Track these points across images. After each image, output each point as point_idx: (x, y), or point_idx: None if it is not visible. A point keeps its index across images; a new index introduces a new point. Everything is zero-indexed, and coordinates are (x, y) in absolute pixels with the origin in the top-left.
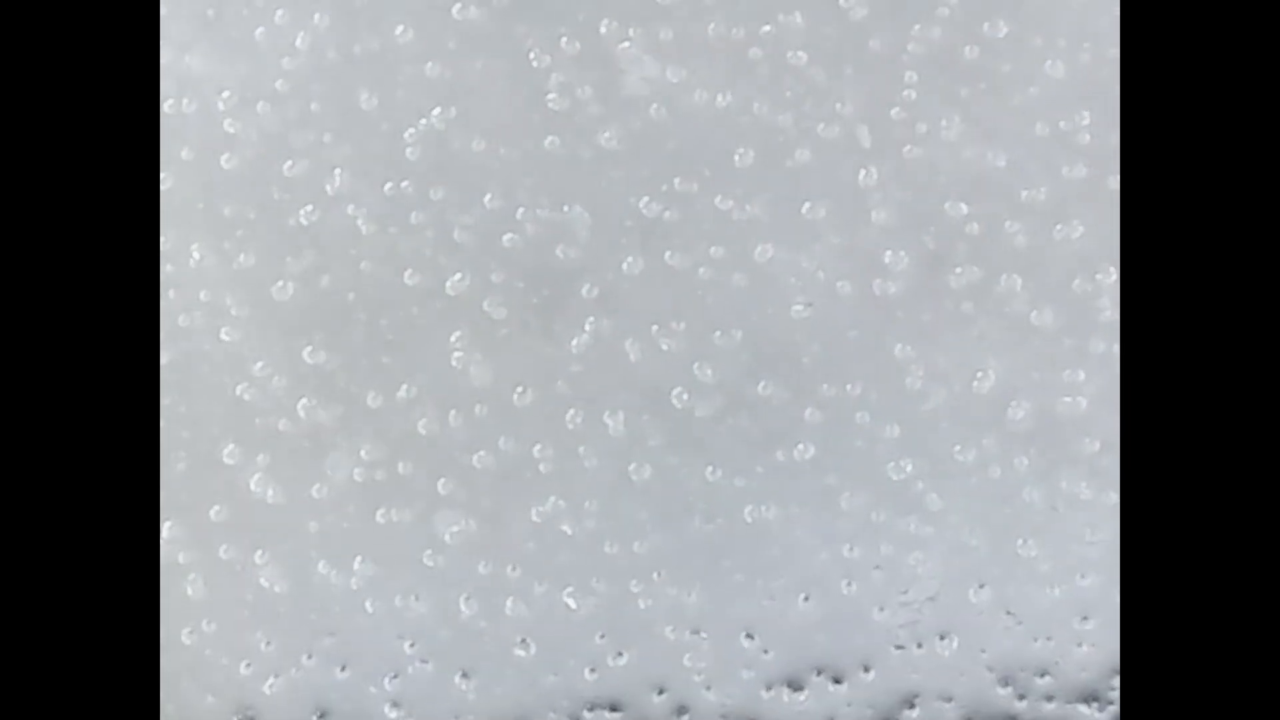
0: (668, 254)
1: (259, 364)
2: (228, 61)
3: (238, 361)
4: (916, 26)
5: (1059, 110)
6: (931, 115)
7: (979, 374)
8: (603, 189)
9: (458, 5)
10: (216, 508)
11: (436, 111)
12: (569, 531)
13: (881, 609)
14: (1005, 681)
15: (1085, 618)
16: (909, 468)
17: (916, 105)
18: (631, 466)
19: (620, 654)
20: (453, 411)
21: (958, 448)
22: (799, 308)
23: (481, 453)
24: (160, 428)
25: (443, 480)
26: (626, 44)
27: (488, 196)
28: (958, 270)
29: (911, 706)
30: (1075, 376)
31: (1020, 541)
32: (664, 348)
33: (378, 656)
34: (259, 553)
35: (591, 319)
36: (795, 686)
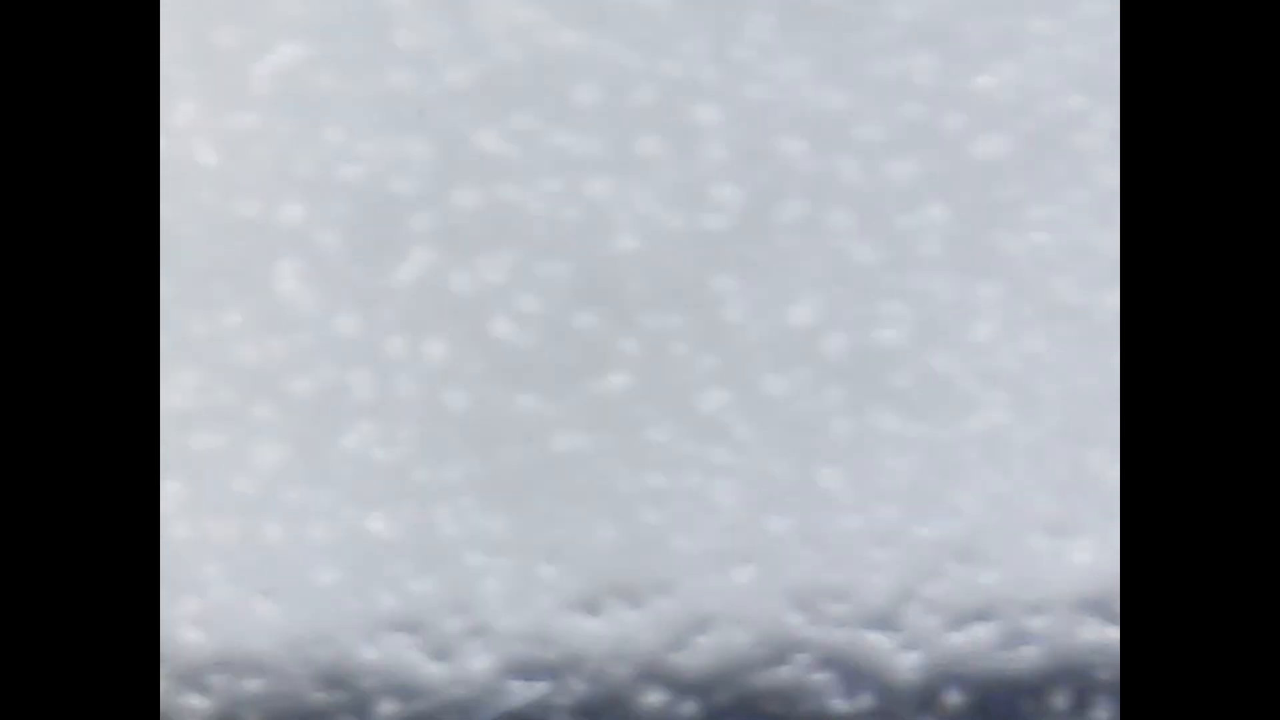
0: (501, 187)
1: None
2: None
3: None
4: None
5: (901, 51)
6: (774, 54)
7: (797, 307)
8: (445, 125)
9: None
10: None
11: (286, 48)
12: (381, 457)
13: (683, 536)
14: (800, 607)
15: (882, 544)
16: (721, 399)
17: (759, 45)
18: (447, 394)
19: (421, 578)
20: (273, 338)
21: (770, 379)
22: (626, 240)
23: (300, 379)
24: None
25: (258, 406)
26: None
27: (330, 130)
28: (786, 205)
29: (705, 631)
30: (893, 310)
31: (824, 471)
32: (489, 279)
33: (182, 578)
34: None
35: (419, 249)
36: (591, 611)
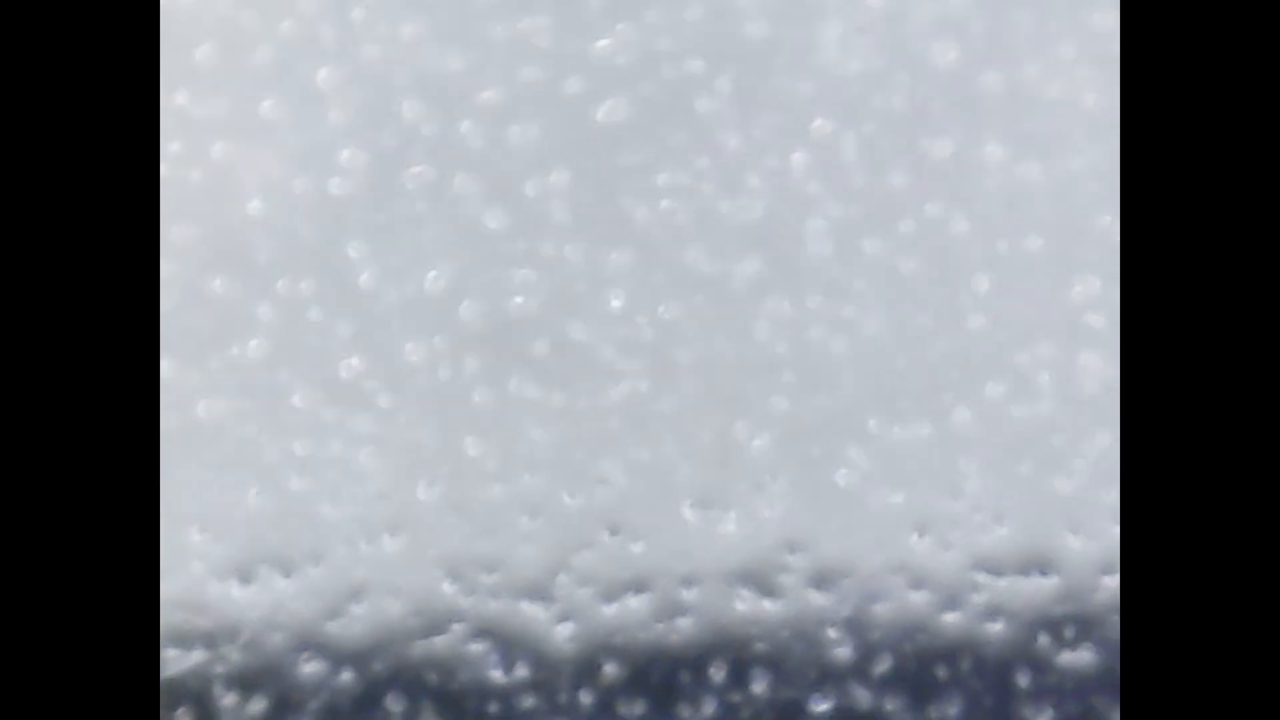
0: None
1: None
2: None
3: None
4: None
5: (518, 12)
6: (391, 16)
7: (431, 274)
8: None
9: None
10: None
11: None
12: None
13: (331, 504)
14: (452, 577)
15: (531, 515)
16: (360, 365)
17: (377, 6)
18: None
19: None
20: None
21: (409, 346)
22: (254, 204)
23: None
24: None
25: None
26: None
27: None
28: (413, 170)
29: (358, 600)
30: (526, 277)
31: (468, 439)
32: None
33: None
34: None
35: None
36: (244, 579)
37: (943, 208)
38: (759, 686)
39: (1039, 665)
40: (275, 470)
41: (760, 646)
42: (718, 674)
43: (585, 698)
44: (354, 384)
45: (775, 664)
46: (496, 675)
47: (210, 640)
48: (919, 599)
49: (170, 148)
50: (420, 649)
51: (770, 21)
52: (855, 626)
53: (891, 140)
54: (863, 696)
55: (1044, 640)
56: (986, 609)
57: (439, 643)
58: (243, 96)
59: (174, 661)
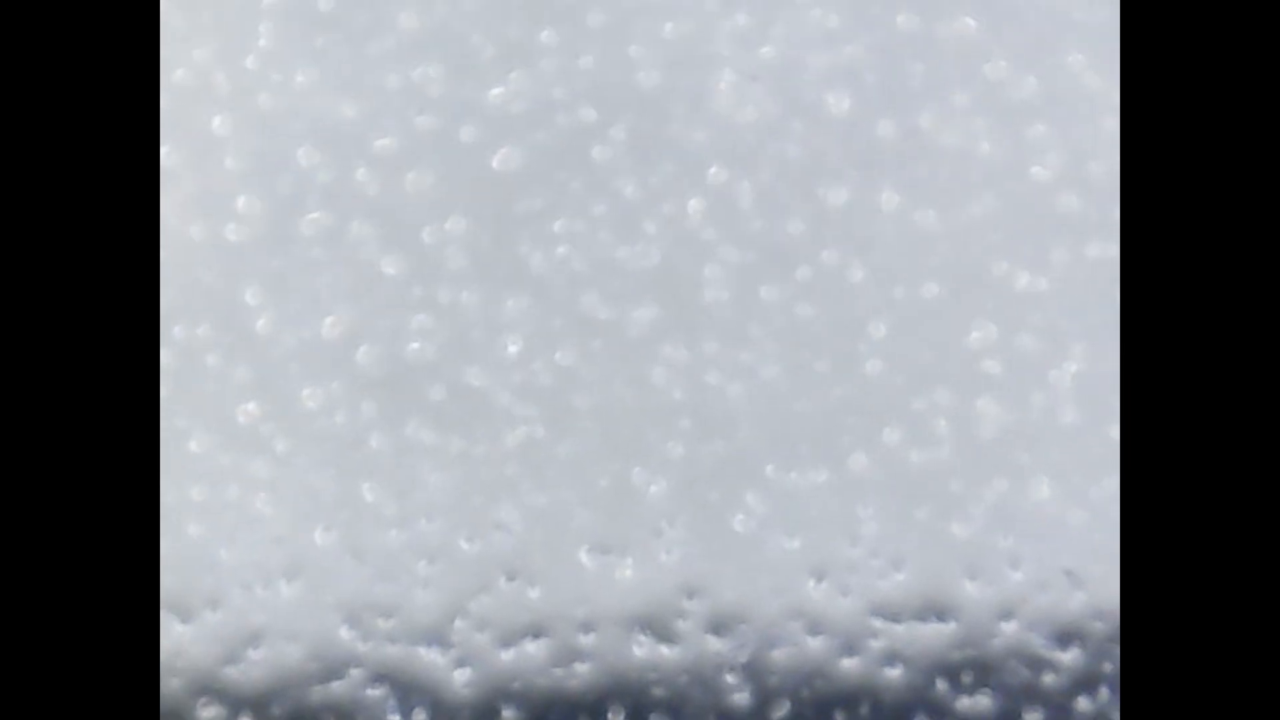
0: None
1: None
2: None
3: None
4: None
5: (411, 61)
6: (285, 65)
7: (329, 319)
8: None
9: None
10: None
11: None
12: None
13: (228, 549)
14: (350, 622)
15: (428, 561)
16: (257, 410)
17: (271, 54)
18: None
19: None
20: None
21: (306, 392)
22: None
23: None
24: None
25: None
26: None
27: None
28: (310, 217)
29: (256, 646)
30: (423, 322)
31: (365, 484)
32: None
33: None
34: None
35: None
36: None
37: (839, 255)
38: None
39: (937, 710)
40: (173, 515)
41: (658, 692)
42: (616, 719)
43: None
44: (251, 429)
45: (674, 709)
46: None
47: None
48: (817, 645)
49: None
50: (318, 694)
51: (664, 70)
52: (753, 672)
53: (788, 188)
54: None
55: (942, 685)
56: (884, 654)
57: (337, 688)
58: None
59: None
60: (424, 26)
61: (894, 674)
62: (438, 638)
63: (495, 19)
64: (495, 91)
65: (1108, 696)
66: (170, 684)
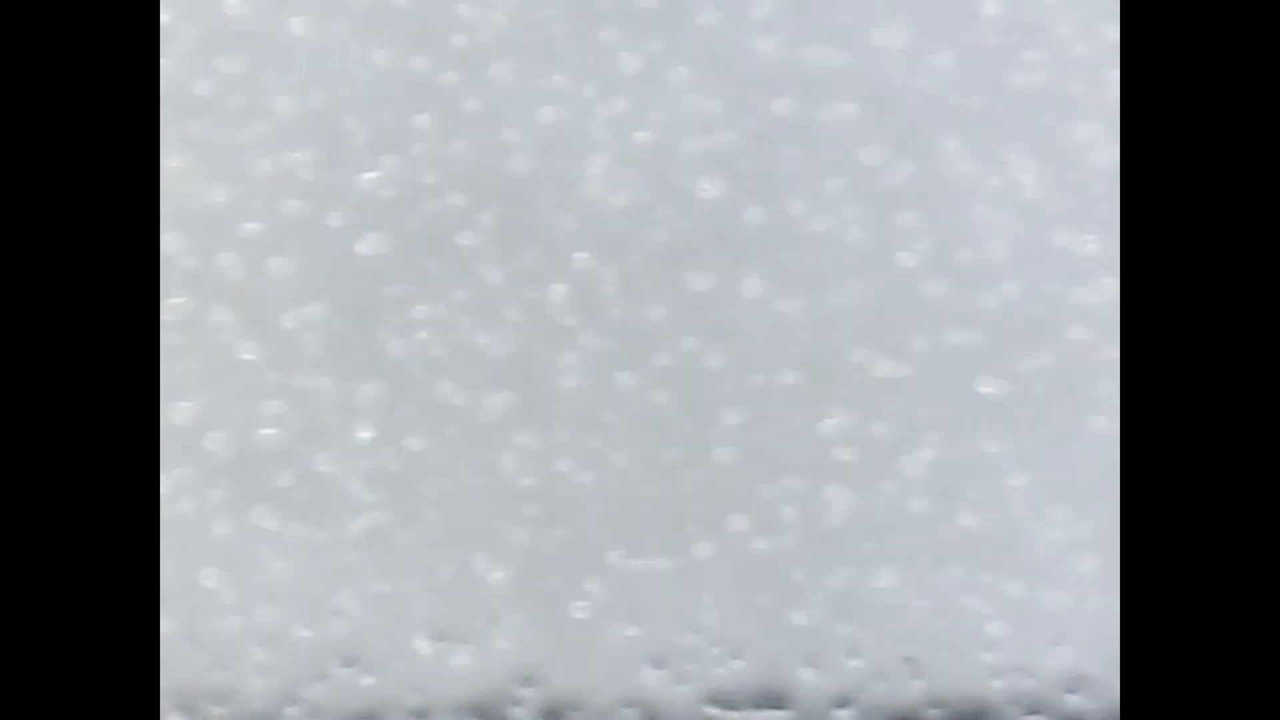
0: None
1: None
2: None
3: None
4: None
5: (284, 146)
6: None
7: (180, 404)
8: None
9: None
10: None
11: None
12: None
13: None
14: (182, 709)
15: (264, 647)
16: None
17: None
18: None
19: None
20: None
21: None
22: None
23: None
24: None
25: None
26: None
27: None
28: (171, 302)
29: None
30: (276, 408)
31: (205, 570)
32: None
33: None
34: None
35: None
36: None
37: (699, 341)
38: None
39: None
40: None
41: None
42: None
43: None
44: None
45: None
46: None
47: None
48: None
49: None
50: None
51: (536, 155)
52: None
53: (653, 273)
54: None
55: None
56: None
57: None
58: None
59: None
60: (299, 113)
61: None
62: None
63: (372, 104)
64: (367, 176)
65: None
66: None
